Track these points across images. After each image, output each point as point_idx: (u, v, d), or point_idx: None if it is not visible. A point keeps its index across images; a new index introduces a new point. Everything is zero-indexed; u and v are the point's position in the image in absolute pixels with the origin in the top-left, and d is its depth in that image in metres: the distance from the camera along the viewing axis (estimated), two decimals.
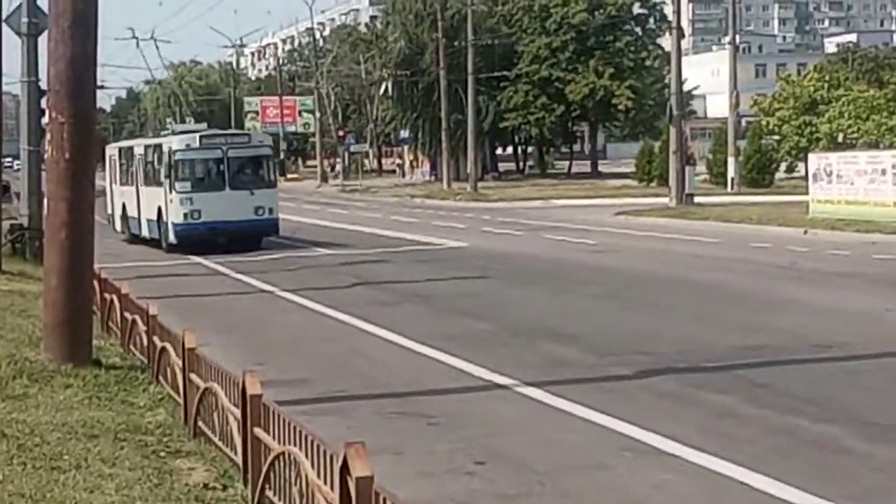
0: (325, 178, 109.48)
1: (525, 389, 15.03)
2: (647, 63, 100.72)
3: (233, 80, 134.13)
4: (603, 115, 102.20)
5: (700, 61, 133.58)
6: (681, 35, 67.03)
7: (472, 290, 26.96)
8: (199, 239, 33.55)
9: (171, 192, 33.84)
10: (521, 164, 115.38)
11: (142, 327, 15.82)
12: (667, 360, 16.81)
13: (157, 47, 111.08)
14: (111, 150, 48.01)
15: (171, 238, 34.41)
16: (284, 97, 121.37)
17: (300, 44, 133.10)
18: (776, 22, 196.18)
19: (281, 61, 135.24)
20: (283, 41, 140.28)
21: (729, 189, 65.64)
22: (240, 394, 9.70)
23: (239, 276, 30.93)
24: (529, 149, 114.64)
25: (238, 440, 9.85)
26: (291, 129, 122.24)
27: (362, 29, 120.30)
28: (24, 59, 30.33)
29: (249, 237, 34.74)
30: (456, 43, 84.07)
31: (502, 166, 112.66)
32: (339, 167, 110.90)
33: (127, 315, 17.36)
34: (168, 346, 13.61)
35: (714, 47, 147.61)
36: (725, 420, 13.19)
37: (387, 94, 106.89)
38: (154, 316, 15.20)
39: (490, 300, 25.01)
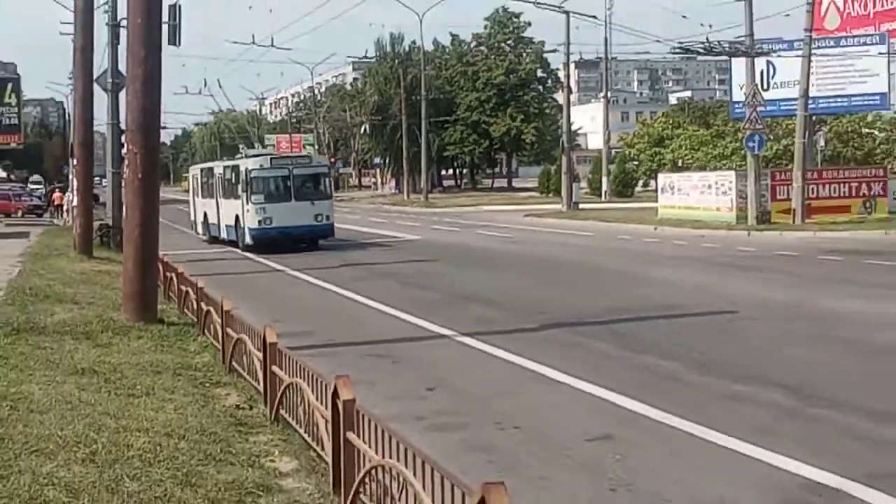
0: None
1: (462, 338, 15.10)
2: (547, 111, 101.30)
3: (256, 122, 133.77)
4: (516, 147, 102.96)
5: (583, 109, 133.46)
6: (569, 91, 67.78)
7: (425, 270, 26.87)
8: (271, 241, 30.17)
9: (247, 203, 30.44)
10: (458, 181, 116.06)
11: (192, 296, 15.83)
12: (561, 318, 16.90)
13: (225, 94, 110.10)
14: (194, 170, 45.06)
15: (248, 240, 30.98)
16: (293, 135, 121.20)
17: (304, 97, 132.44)
18: (636, 82, 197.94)
19: (290, 110, 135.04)
20: (292, 95, 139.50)
21: (603, 199, 66.08)
22: (262, 342, 9.73)
23: (261, 259, 30.75)
24: (464, 170, 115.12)
25: (260, 375, 9.91)
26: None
27: (348, 87, 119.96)
28: (109, 107, 30.53)
29: (310, 239, 31.70)
30: (413, 97, 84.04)
31: (445, 183, 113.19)
32: (332, 182, 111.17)
33: (182, 287, 17.36)
34: (211, 309, 13.60)
35: (593, 100, 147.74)
36: (601, 359, 13.30)
37: (365, 132, 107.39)
38: (201, 288, 15.22)
39: (438, 277, 24.94)
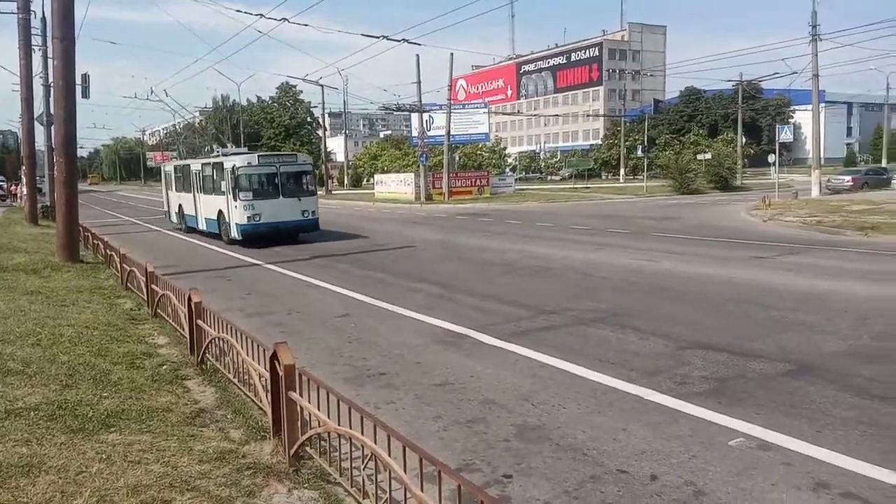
0: None
1: (267, 265, 14.56)
2: (314, 140, 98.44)
3: (141, 145, 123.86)
4: None
5: (334, 140, 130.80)
6: (325, 130, 66.72)
7: None
8: (259, 236, 19.17)
9: (235, 199, 19.12)
10: None
11: (102, 247, 14.51)
12: (322, 252, 16.62)
13: (174, 100, 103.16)
14: (167, 167, 28.79)
15: (236, 235, 19.41)
16: (164, 152, 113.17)
17: (170, 130, 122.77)
18: (362, 125, 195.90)
19: (162, 138, 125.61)
20: (163, 129, 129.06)
21: (345, 188, 65.62)
22: (145, 271, 9.03)
23: (146, 224, 28.46)
24: None
25: (144, 290, 9.17)
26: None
27: (196, 124, 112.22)
28: (46, 135, 27.19)
29: (297, 233, 20.32)
30: (236, 131, 79.81)
31: None
32: None
33: (96, 241, 15.85)
34: (114, 253, 12.50)
35: (339, 135, 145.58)
36: (344, 273, 13.15)
37: (208, 151, 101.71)
38: (107, 241, 14.04)
39: None
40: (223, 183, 19.85)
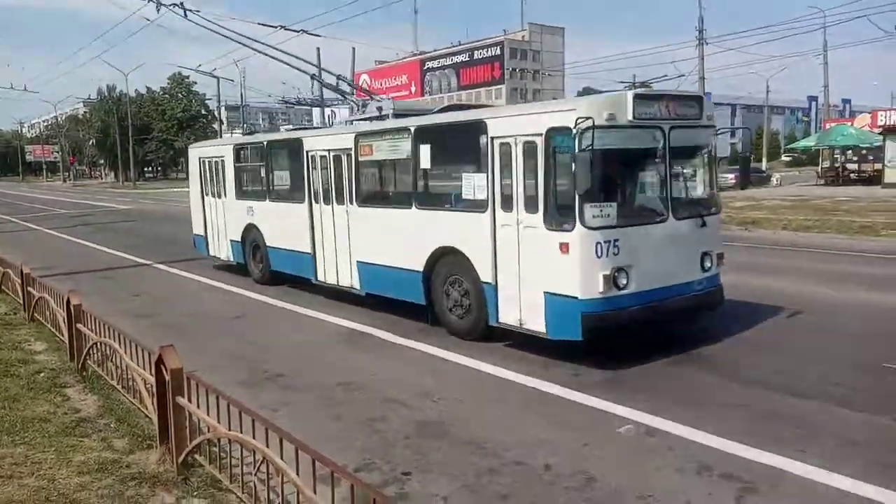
0: (65, 181, 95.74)
1: (157, 265, 13.93)
2: (210, 134, 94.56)
3: (20, 138, 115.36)
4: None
5: (230, 134, 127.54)
6: (221, 123, 64.78)
7: (132, 225, 24.31)
8: (624, 326, 5.70)
9: (567, 226, 5.31)
10: (156, 174, 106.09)
11: None
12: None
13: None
14: (206, 149, 13.09)
15: (555, 329, 5.70)
16: (44, 145, 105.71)
17: (51, 123, 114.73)
18: (261, 119, 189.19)
19: (41, 131, 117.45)
20: (43, 121, 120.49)
21: None
22: (21, 273, 8.46)
23: (26, 223, 26.50)
24: (159, 168, 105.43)
25: (20, 293, 8.61)
26: (49, 160, 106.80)
27: (80, 116, 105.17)
28: None
29: (694, 315, 6.51)
30: (124, 124, 75.89)
31: (148, 176, 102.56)
32: (72, 175, 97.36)
33: None
34: None
35: (236, 129, 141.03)
36: (236, 275, 12.68)
37: (93, 145, 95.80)
38: None
39: (140, 229, 22.65)
40: (471, 184, 7.07)
